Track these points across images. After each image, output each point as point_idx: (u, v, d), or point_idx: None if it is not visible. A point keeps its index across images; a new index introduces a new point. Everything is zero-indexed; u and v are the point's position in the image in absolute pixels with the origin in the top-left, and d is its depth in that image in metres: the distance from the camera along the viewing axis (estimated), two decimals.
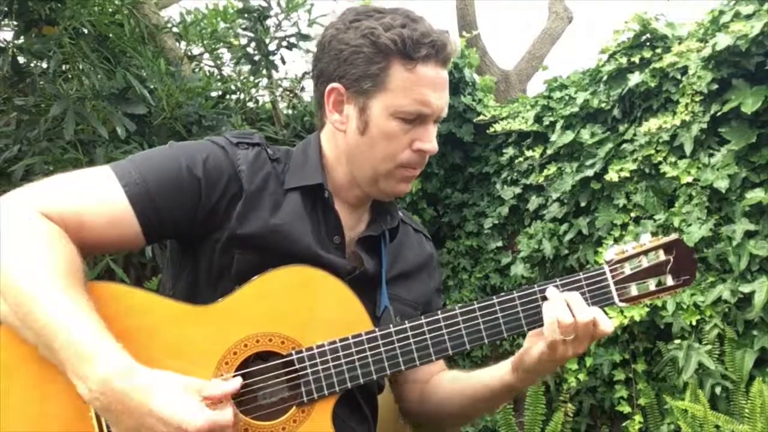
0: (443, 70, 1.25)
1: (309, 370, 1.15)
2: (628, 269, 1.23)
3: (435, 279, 1.49)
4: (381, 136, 1.24)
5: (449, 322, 1.20)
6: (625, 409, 3.14)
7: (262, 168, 1.26)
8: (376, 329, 1.19)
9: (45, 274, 1.03)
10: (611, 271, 1.23)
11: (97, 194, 1.15)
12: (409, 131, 1.24)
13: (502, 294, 1.21)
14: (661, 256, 1.24)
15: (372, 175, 1.27)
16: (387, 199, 1.35)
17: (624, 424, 3.14)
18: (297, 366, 1.15)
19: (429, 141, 1.25)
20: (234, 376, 1.12)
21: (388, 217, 1.37)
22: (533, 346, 1.20)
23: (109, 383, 0.99)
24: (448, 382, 1.41)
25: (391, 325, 1.19)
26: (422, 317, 1.20)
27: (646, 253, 1.24)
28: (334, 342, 1.16)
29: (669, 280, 1.24)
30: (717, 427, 2.57)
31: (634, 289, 1.22)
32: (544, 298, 1.21)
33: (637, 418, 3.08)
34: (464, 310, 1.20)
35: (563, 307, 1.17)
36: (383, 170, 1.26)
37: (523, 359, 1.22)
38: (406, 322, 1.20)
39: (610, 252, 1.25)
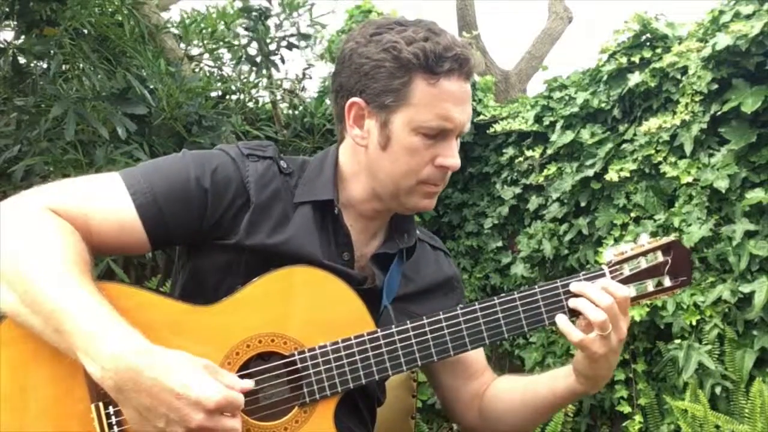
0: (466, 83, 1.22)
1: (311, 371, 1.15)
2: (627, 270, 1.23)
3: (453, 299, 1.43)
4: (403, 151, 1.21)
5: (450, 322, 1.20)
6: (625, 409, 3.14)
7: (272, 181, 1.25)
8: (378, 330, 1.19)
9: (54, 261, 1.04)
10: (611, 272, 1.23)
11: (106, 200, 1.16)
12: (431, 147, 1.21)
13: (503, 294, 1.21)
14: (660, 257, 1.24)
15: (393, 190, 1.25)
16: (410, 213, 1.33)
17: (624, 424, 3.14)
18: (299, 366, 1.15)
19: (452, 156, 1.22)
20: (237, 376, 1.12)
21: (405, 235, 1.34)
22: (578, 352, 1.21)
23: (123, 360, 0.98)
24: (509, 396, 1.37)
25: (393, 326, 1.19)
26: (424, 317, 1.20)
27: (644, 254, 1.24)
28: (336, 342, 1.17)
29: (667, 281, 1.24)
30: (717, 427, 2.58)
31: (633, 290, 1.23)
32: (545, 299, 1.21)
33: (637, 418, 3.08)
34: (465, 310, 1.21)
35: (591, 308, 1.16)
36: (405, 186, 1.24)
37: (578, 369, 1.22)
38: (408, 322, 1.20)
39: (608, 253, 1.25)
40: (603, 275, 1.22)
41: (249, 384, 1.08)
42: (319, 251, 1.23)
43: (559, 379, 1.28)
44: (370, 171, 1.26)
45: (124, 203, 1.15)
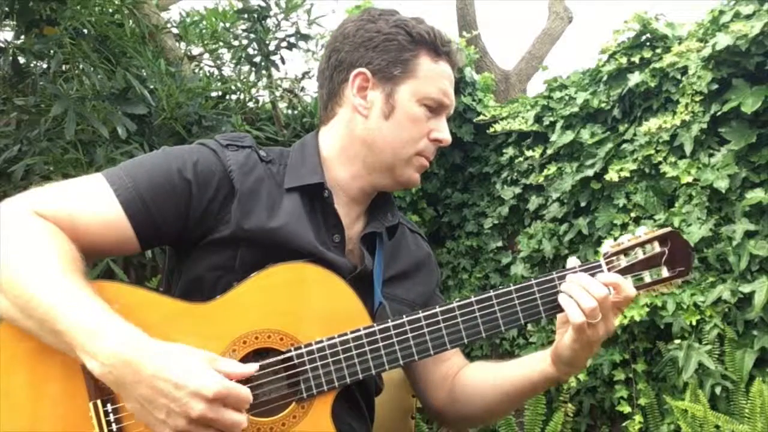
0: (454, 71, 1.34)
1: (308, 367, 1.15)
2: (624, 261, 1.22)
3: (433, 279, 1.49)
4: (407, 119, 1.28)
5: (447, 316, 1.20)
6: (625, 409, 3.14)
7: (254, 169, 1.26)
8: (375, 325, 1.19)
9: (43, 263, 1.04)
10: (607, 263, 1.22)
11: (90, 200, 1.16)
12: (429, 120, 1.30)
13: (500, 288, 1.21)
14: (657, 247, 1.23)
15: (391, 160, 1.30)
16: (398, 189, 1.37)
17: (624, 424, 3.14)
18: (296, 362, 1.15)
19: (445, 131, 1.32)
20: None
21: (388, 214, 1.38)
22: (563, 337, 1.20)
23: (122, 354, 0.99)
24: (480, 378, 1.38)
25: (389, 321, 1.19)
26: (420, 312, 1.20)
27: (642, 245, 1.23)
28: (333, 338, 1.16)
29: (664, 272, 1.23)
30: (717, 427, 2.57)
31: (630, 282, 1.21)
32: (541, 291, 1.21)
33: (637, 418, 3.08)
34: (462, 304, 1.20)
35: (580, 291, 1.17)
36: (404, 155, 1.30)
37: (559, 353, 1.22)
38: (404, 317, 1.20)
39: (606, 245, 1.25)
40: (599, 267, 1.22)
41: (251, 368, 1.08)
42: (312, 236, 1.25)
43: (533, 365, 1.29)
44: (366, 141, 1.30)
45: (108, 201, 1.15)
